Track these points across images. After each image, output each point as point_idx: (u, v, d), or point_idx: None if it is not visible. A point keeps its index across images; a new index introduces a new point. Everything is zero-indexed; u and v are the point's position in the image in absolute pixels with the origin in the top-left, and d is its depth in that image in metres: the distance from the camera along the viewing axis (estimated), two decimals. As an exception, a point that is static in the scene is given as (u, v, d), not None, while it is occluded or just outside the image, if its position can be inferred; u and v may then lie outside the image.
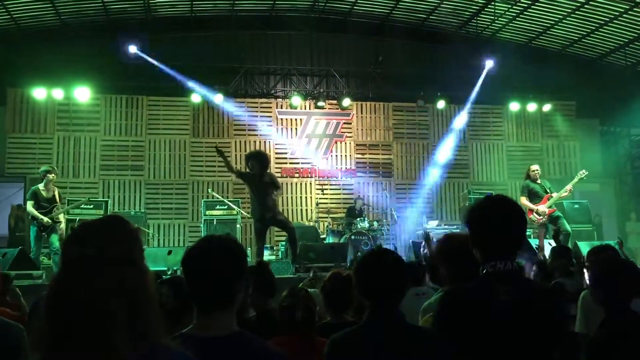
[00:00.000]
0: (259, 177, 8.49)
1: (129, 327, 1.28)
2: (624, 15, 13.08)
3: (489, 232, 2.09)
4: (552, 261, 5.47)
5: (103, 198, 12.67)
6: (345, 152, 14.58)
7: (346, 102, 14.25)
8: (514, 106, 14.86)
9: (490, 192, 12.93)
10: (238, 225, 11.68)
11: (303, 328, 2.91)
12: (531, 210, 10.25)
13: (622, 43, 14.36)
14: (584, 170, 10.39)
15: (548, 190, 10.14)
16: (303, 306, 2.91)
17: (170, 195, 13.59)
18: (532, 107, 14.83)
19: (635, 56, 14.84)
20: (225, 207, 11.74)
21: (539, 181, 10.29)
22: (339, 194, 14.34)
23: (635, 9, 12.66)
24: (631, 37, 14.02)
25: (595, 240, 11.30)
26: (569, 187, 10.16)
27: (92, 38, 13.16)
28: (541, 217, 10.08)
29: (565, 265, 5.21)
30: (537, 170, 10.40)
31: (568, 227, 9.77)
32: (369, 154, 14.67)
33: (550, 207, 10.05)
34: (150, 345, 1.34)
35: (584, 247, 9.13)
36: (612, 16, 13.19)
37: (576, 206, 12.67)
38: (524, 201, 10.38)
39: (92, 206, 11.25)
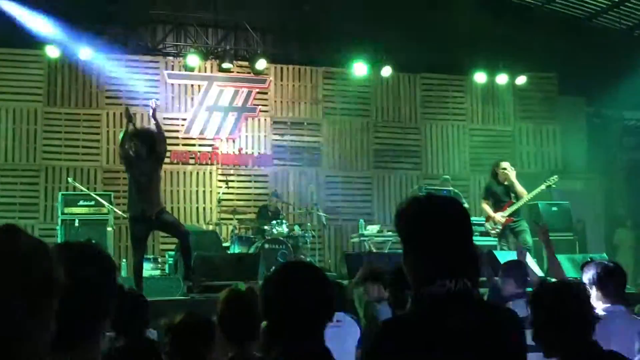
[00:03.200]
0: (143, 161, 8.55)
1: None
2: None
3: (432, 243, 2.13)
4: (503, 281, 5.76)
5: None
6: (259, 131, 14.62)
7: (261, 64, 14.19)
8: (480, 77, 15.10)
9: (448, 189, 13.17)
10: (109, 228, 11.60)
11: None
12: (488, 218, 10.89)
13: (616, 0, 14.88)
14: (555, 177, 11.07)
15: (513, 196, 10.71)
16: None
17: (14, 185, 13.28)
18: (502, 79, 15.11)
19: (633, 17, 15.35)
20: (92, 202, 11.58)
21: (507, 182, 10.80)
22: (249, 187, 14.37)
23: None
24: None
25: (576, 252, 11.75)
26: (532, 195, 10.85)
27: None
28: (495, 227, 10.70)
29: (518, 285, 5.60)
30: (507, 169, 10.88)
31: (529, 241, 10.34)
32: (291, 134, 14.76)
33: (510, 215, 10.65)
34: None
35: (564, 262, 9.54)
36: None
37: (554, 209, 13.06)
38: (484, 206, 11.06)
39: None
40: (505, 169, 10.87)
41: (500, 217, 10.70)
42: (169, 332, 3.44)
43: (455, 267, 2.11)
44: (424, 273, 2.12)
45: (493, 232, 10.83)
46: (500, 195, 10.82)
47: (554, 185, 11.12)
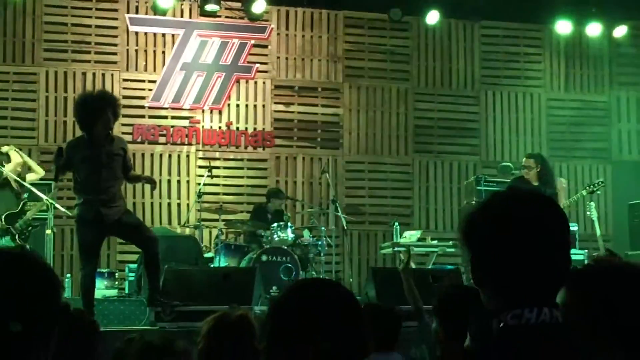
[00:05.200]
0: (105, 141, 8.57)
1: None
2: None
3: (520, 258, 2.20)
4: None
5: None
6: (256, 99, 14.64)
7: (259, 6, 14.27)
8: (563, 27, 15.02)
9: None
10: (48, 231, 11.87)
11: None
12: None
13: None
14: (601, 180, 11.64)
15: None
16: None
17: None
18: (594, 29, 15.07)
19: None
20: (26, 195, 11.62)
21: (536, 183, 10.88)
22: (241, 177, 14.43)
23: None
24: None
25: None
26: (567, 204, 11.13)
27: None
28: None
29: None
30: (532, 166, 10.96)
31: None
32: (299, 104, 14.75)
33: None
34: None
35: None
36: None
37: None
38: None
39: None
40: (527, 167, 11.01)
41: None
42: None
43: (541, 291, 2.20)
44: (500, 299, 2.23)
45: None
46: None
47: (598, 192, 11.55)
